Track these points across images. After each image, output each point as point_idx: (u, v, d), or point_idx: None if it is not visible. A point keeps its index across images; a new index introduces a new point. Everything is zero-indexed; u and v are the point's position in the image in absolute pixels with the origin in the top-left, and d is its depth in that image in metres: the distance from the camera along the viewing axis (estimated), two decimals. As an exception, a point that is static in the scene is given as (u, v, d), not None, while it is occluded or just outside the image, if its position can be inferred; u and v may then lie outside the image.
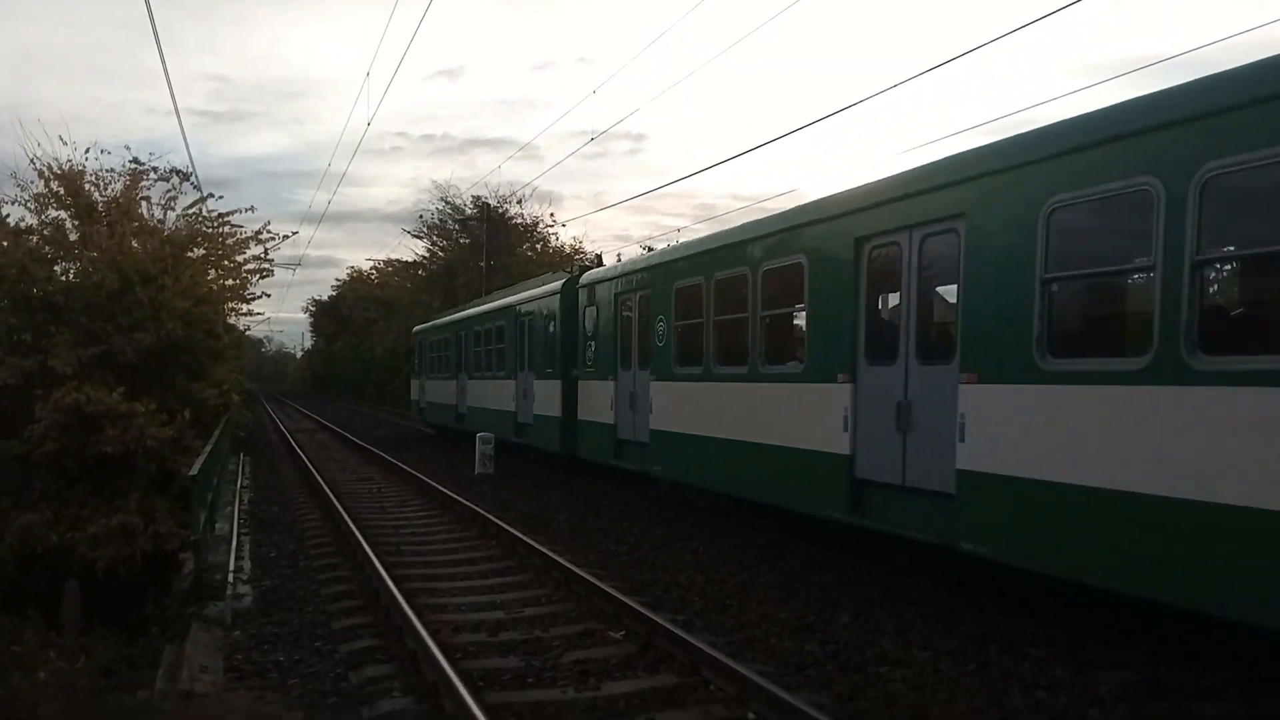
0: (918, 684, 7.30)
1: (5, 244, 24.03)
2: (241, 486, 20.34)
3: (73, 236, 25.88)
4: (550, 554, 11.52)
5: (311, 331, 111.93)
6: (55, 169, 25.82)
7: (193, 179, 27.78)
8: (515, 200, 56.73)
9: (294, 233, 71.83)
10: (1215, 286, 7.34)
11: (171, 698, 6.56)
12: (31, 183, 26.20)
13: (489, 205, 53.47)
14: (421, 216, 63.44)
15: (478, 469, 21.76)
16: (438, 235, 61.46)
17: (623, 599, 9.22)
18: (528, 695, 7.17)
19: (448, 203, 61.05)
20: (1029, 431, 7.70)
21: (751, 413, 12.03)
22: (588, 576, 10.25)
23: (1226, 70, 6.44)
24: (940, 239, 8.90)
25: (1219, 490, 6.15)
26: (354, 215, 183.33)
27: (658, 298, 14.83)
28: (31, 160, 26.07)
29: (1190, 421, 6.38)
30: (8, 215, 25.32)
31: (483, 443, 22.06)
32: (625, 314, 16.31)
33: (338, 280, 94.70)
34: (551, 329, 20.18)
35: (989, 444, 8.08)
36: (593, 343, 18.11)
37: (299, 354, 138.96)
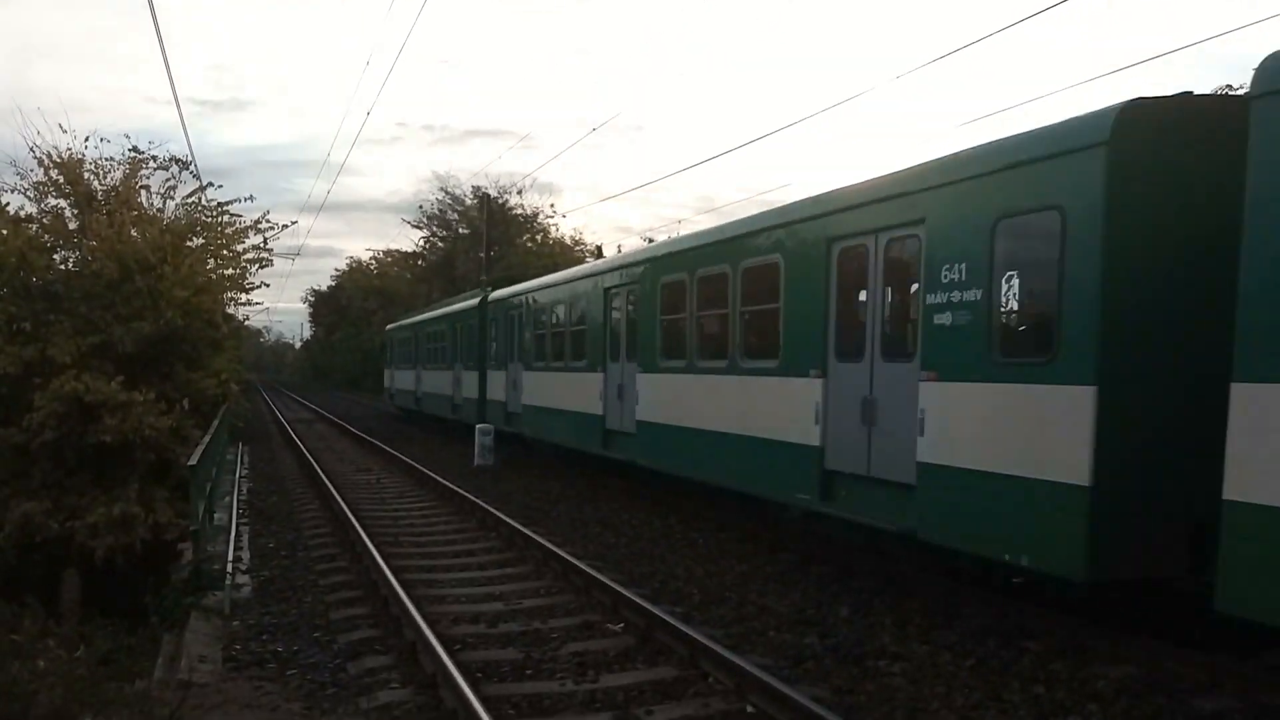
0: (916, 677, 7.31)
1: (5, 232, 24.02)
2: (240, 477, 20.34)
3: (72, 225, 25.89)
4: (549, 545, 11.52)
5: (310, 321, 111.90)
6: (55, 157, 25.81)
7: (192, 168, 27.78)
8: (515, 190, 56.72)
9: (293, 222, 71.86)
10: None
11: (170, 687, 6.56)
12: (31, 171, 26.20)
13: (488, 196, 53.40)
14: (421, 207, 63.42)
15: (477, 460, 21.78)
16: (437, 225, 61.47)
17: (621, 591, 9.22)
18: (526, 687, 7.17)
19: (447, 193, 61.04)
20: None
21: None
22: (586, 568, 10.26)
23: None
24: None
25: None
26: (353, 205, 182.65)
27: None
28: (31, 148, 26.07)
29: None
30: (7, 203, 25.33)
31: (482, 434, 22.06)
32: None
33: (337, 270, 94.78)
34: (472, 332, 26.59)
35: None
36: (496, 342, 24.00)
37: (298, 344, 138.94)
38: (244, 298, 29.91)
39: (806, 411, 10.56)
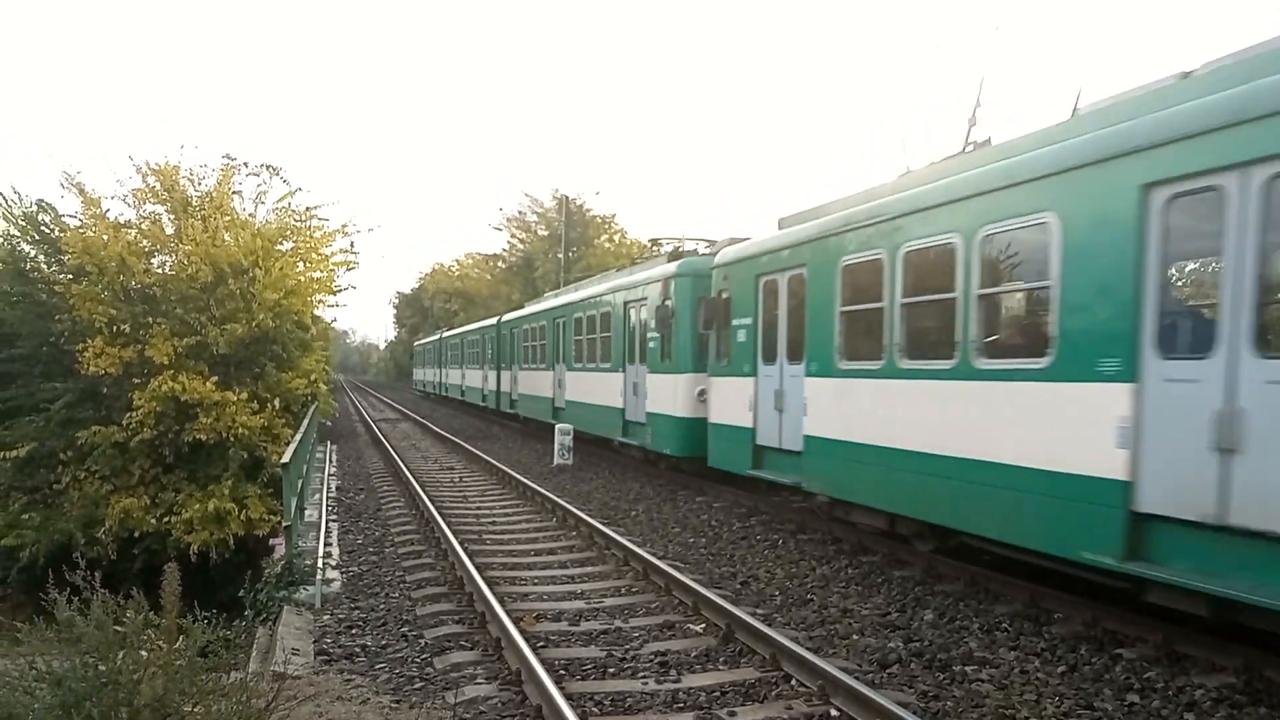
0: (1004, 684, 7.17)
1: (105, 238, 24.90)
2: (329, 474, 20.81)
3: (169, 230, 26.71)
4: (630, 545, 11.56)
5: (394, 323, 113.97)
6: (152, 165, 26.70)
7: (281, 173, 28.47)
8: (594, 192, 56.96)
9: (379, 225, 73.38)
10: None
11: (265, 679, 6.75)
12: (130, 177, 27.16)
13: (567, 197, 53.78)
14: (501, 209, 64.05)
15: (556, 459, 21.95)
16: (517, 227, 62.03)
17: (703, 591, 9.21)
18: (608, 685, 7.21)
19: (527, 195, 61.62)
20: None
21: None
22: (667, 568, 10.27)
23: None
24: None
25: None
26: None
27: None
28: (129, 156, 26.99)
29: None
30: (108, 210, 26.27)
31: (561, 434, 22.22)
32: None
33: (420, 272, 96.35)
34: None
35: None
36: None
37: (382, 345, 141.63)
38: (332, 300, 30.60)
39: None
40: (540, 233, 59.56)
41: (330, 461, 23.70)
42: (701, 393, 16.56)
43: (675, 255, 18.93)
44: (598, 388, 22.11)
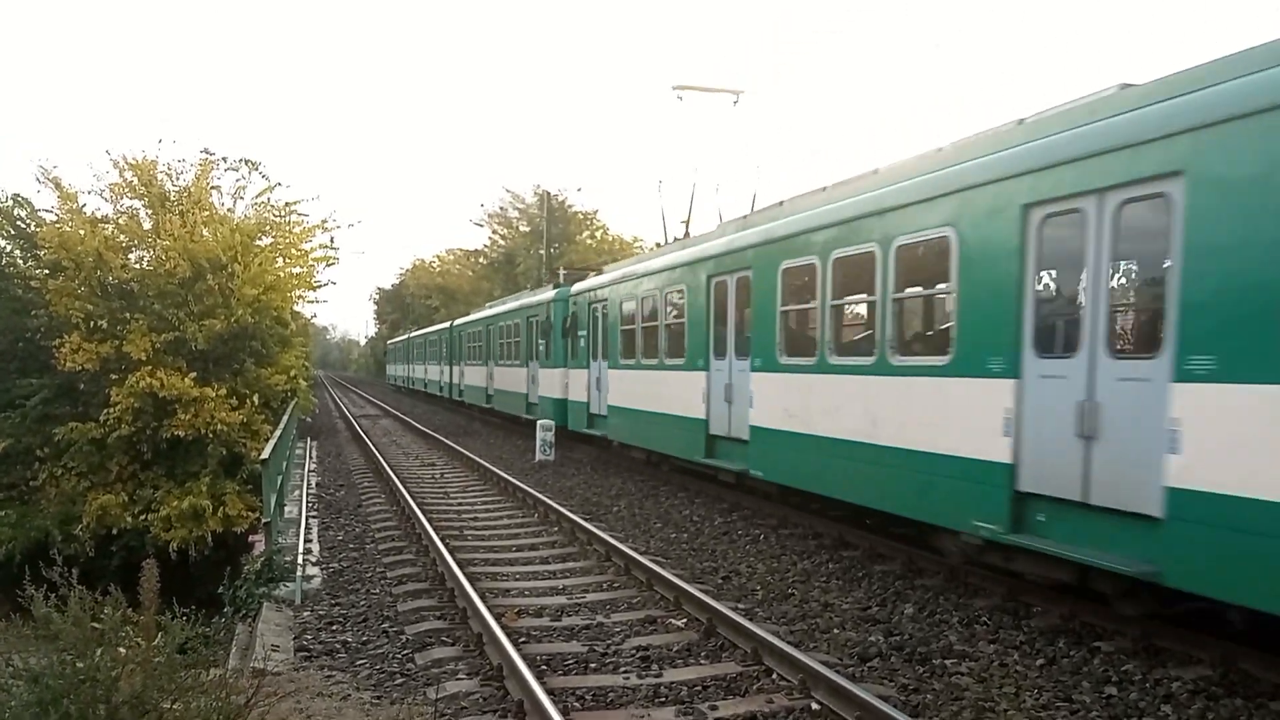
0: (984, 677, 7.22)
1: (82, 233, 24.70)
2: (309, 471, 20.72)
3: (146, 225, 26.53)
4: (611, 540, 11.57)
5: (375, 318, 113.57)
6: (129, 160, 26.50)
7: (260, 168, 28.30)
8: (576, 188, 56.87)
9: (359, 221, 73.12)
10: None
11: (245, 675, 6.72)
12: (107, 172, 26.91)
13: (549, 193, 53.67)
14: (483, 204, 63.87)
15: (538, 456, 21.93)
16: (498, 223, 61.89)
17: (684, 586, 9.23)
18: (590, 680, 7.22)
19: (508, 190, 61.45)
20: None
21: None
22: (649, 563, 10.28)
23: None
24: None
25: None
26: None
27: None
28: (106, 151, 26.79)
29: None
30: (84, 205, 26.07)
31: (543, 430, 22.21)
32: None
33: (401, 268, 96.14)
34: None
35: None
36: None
37: (363, 341, 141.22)
38: (311, 295, 30.47)
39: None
40: (522, 229, 59.47)
41: (310, 458, 23.61)
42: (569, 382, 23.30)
43: (563, 281, 25.84)
44: (514, 379, 29.54)
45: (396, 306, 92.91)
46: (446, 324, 47.09)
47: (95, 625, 5.48)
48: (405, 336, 67.22)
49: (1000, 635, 8.18)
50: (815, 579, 10.40)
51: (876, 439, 10.31)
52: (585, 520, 13.37)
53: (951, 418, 9.14)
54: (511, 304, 31.47)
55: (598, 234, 57.02)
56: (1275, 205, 6.23)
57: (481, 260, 66.20)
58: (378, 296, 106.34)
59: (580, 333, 21.25)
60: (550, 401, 24.46)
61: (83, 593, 5.65)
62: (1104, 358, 7.54)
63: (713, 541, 12.60)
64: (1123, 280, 8.33)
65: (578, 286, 22.28)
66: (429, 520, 13.31)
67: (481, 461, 20.80)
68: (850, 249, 10.89)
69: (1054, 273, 8.65)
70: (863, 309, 11.20)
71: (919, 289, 10.52)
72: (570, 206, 56.56)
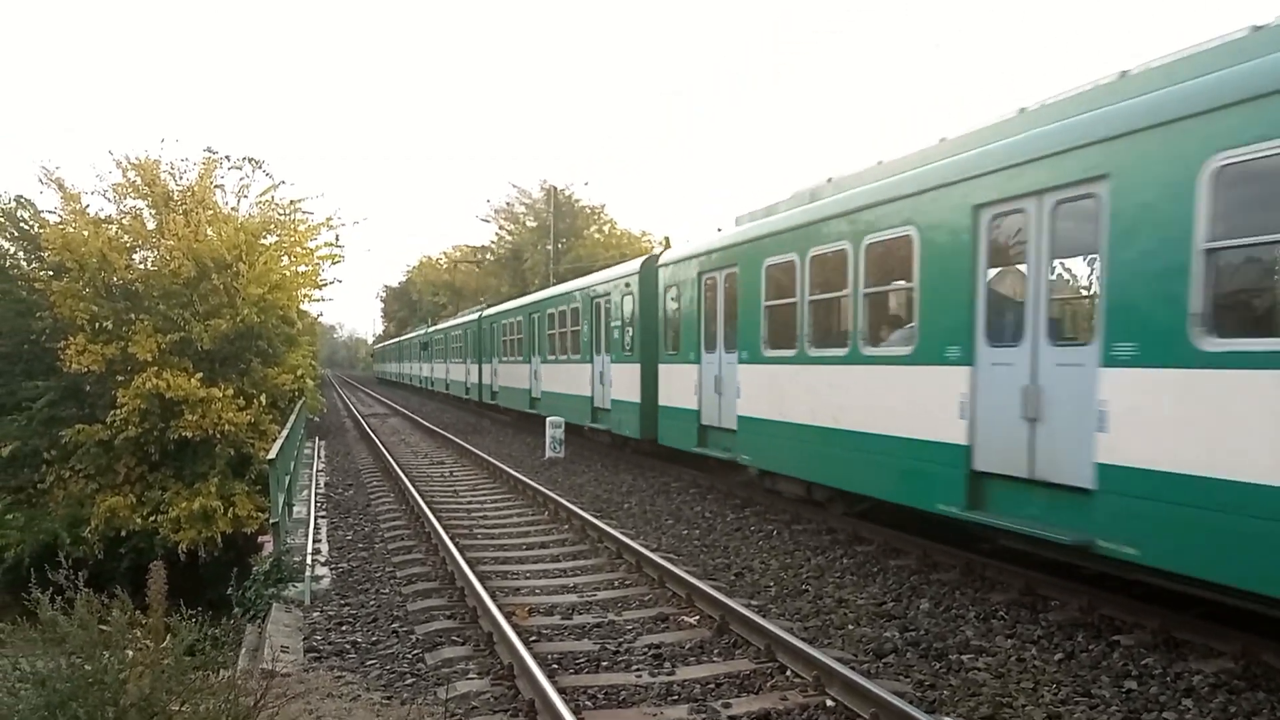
0: (1001, 672, 7.19)
1: (86, 234, 24.80)
2: (317, 470, 20.76)
3: (150, 225, 26.62)
4: (623, 538, 11.56)
5: (382, 316, 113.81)
6: (132, 159, 26.58)
7: (264, 166, 28.38)
8: (583, 182, 56.82)
9: (364, 218, 73.31)
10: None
11: (254, 677, 6.73)
12: (110, 172, 27.02)
13: (555, 188, 53.65)
14: (489, 200, 63.86)
15: (548, 453, 21.94)
16: (505, 219, 61.92)
17: (696, 583, 9.22)
18: (602, 679, 7.21)
19: (514, 185, 61.42)
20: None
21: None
22: (661, 560, 10.28)
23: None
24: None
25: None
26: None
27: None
28: (109, 151, 26.89)
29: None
30: (88, 205, 26.16)
31: (553, 426, 22.21)
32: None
33: (408, 266, 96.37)
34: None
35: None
36: None
37: (370, 339, 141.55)
38: (318, 294, 30.54)
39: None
40: (528, 224, 59.49)
41: (318, 457, 23.66)
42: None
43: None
44: (466, 376, 40.26)
45: (404, 304, 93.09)
46: (424, 330, 55.10)
47: (103, 628, 5.50)
48: (394, 340, 79.59)
49: (1018, 629, 8.15)
50: (829, 575, 10.38)
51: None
52: (596, 517, 13.38)
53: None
54: (468, 316, 38.34)
55: (605, 228, 56.99)
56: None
57: (488, 257, 66.26)
58: (385, 294, 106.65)
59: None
60: (509, 391, 30.32)
61: (89, 595, 5.67)
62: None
63: (725, 538, 12.59)
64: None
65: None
66: (438, 519, 13.32)
67: (491, 459, 20.82)
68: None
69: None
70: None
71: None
72: (577, 201, 56.56)
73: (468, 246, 71.59)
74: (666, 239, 23.11)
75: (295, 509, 15.44)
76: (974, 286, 9.14)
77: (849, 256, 11.25)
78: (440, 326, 51.99)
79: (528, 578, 10.59)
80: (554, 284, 31.01)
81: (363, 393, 71.37)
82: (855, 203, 11.18)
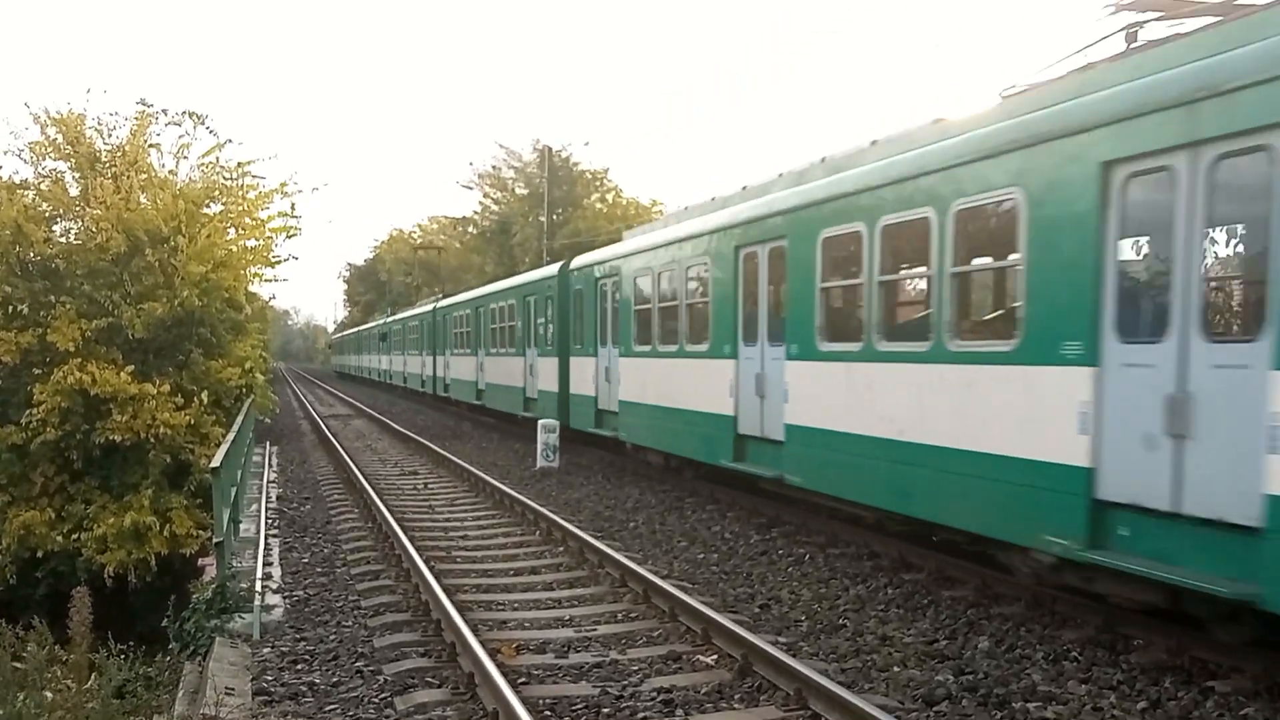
0: (1074, 723, 7.19)
1: (-3, 201, 24.82)
2: (268, 481, 20.84)
3: (73, 191, 26.65)
4: (627, 562, 11.59)
5: (345, 300, 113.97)
6: (52, 114, 26.58)
7: (207, 122, 28.38)
8: (582, 143, 56.81)
9: (325, 184, 73.42)
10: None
11: (193, 724, 6.78)
12: (26, 129, 27.03)
13: (550, 149, 53.61)
14: (472, 163, 63.93)
15: (539, 462, 21.99)
16: (491, 185, 61.94)
17: (714, 616, 9.23)
18: (603, 728, 7.23)
19: (503, 147, 61.38)
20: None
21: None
22: (672, 589, 10.29)
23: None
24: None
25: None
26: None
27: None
28: (25, 104, 26.92)
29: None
30: (0, 167, 26.21)
31: (545, 431, 22.27)
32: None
33: (375, 240, 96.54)
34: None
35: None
36: None
37: (331, 327, 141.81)
38: (270, 273, 30.55)
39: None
40: (518, 191, 59.56)
41: (270, 466, 23.73)
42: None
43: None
44: (423, 368, 47.91)
45: (371, 286, 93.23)
46: (380, 321, 65.27)
47: (16, 665, 5.54)
48: (367, 326, 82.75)
49: (1094, 673, 8.15)
50: (871, 607, 10.39)
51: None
52: (596, 538, 13.40)
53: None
54: (423, 308, 50.10)
55: (609, 196, 56.98)
56: None
57: (471, 229, 66.33)
58: (348, 274, 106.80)
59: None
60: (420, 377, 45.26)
61: (1, 626, 5.71)
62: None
63: (748, 563, 12.61)
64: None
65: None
66: (410, 539, 13.36)
67: (472, 469, 20.87)
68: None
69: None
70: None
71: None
72: (576, 165, 56.56)
73: (446, 218, 71.82)
74: (685, 210, 23.10)
75: (243, 526, 15.50)
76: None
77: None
78: (399, 316, 59.09)
79: (515, 609, 10.62)
80: (547, 262, 33.52)
81: (322, 389, 71.54)
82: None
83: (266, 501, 18.06)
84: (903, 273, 11.92)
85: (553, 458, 22.10)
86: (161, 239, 25.77)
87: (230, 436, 16.26)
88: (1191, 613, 8.06)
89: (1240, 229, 8.61)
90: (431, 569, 11.63)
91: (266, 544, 14.17)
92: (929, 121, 11.55)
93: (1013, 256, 9.81)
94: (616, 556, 11.95)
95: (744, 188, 16.17)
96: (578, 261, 24.15)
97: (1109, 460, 8.37)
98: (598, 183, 57.66)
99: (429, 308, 47.12)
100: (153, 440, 24.22)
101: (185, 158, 28.53)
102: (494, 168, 61.15)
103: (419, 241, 79.15)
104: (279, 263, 30.10)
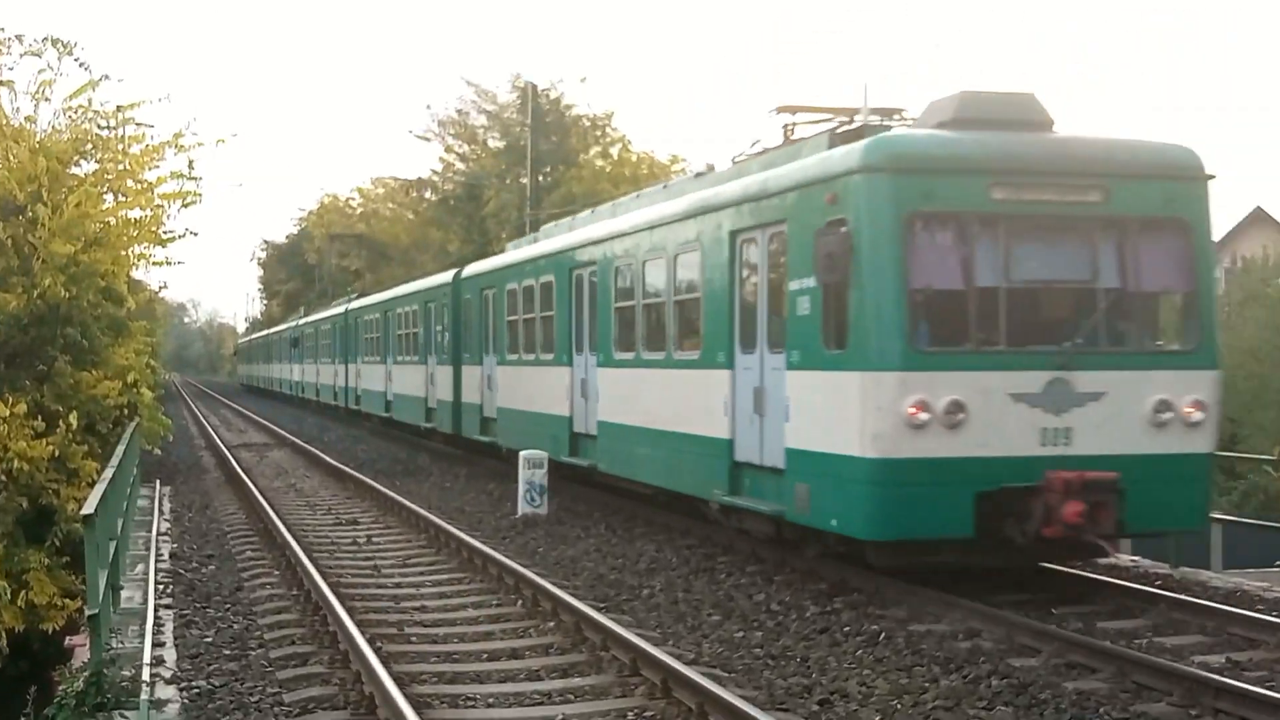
0: None
1: None
2: (159, 533, 20.88)
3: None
4: (640, 643, 11.58)
5: (261, 291, 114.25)
6: None
7: (76, 52, 28.26)
8: (578, 79, 56.74)
9: (234, 135, 73.33)
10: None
11: None
12: None
13: (533, 87, 53.42)
14: (429, 106, 63.95)
15: (521, 507, 21.99)
16: (456, 136, 61.92)
17: (757, 716, 9.21)
18: None
19: (471, 85, 61.20)
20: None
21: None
22: (700, 679, 10.28)
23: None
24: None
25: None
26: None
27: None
28: None
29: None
30: None
31: (529, 466, 22.30)
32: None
33: (302, 211, 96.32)
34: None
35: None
36: None
37: (242, 326, 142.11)
38: (160, 254, 30.46)
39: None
40: (492, 144, 59.69)
41: (161, 513, 23.79)
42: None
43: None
44: (335, 378, 56.26)
45: (295, 269, 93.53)
46: (293, 322, 73.41)
47: None
48: (261, 334, 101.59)
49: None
50: (969, 705, 10.36)
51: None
52: (598, 609, 13.40)
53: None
54: (335, 309, 59.86)
55: (614, 150, 56.90)
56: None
57: (429, 195, 66.34)
58: (265, 255, 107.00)
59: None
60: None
61: None
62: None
63: (803, 644, 12.62)
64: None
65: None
66: (349, 611, 13.38)
67: (431, 516, 20.91)
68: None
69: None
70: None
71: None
72: (569, 109, 56.53)
73: (396, 180, 71.67)
74: (710, 166, 22.98)
75: (125, 594, 15.51)
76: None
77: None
78: (311, 319, 67.30)
79: (490, 705, 10.63)
80: (529, 235, 35.89)
81: (229, 409, 71.76)
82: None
83: (157, 560, 18.08)
84: (650, 300, 20.92)
85: (538, 501, 22.12)
86: (15, 209, 25.79)
87: (108, 474, 16.26)
88: (789, 537, 16.05)
89: (774, 277, 16.27)
90: (378, 651, 11.63)
91: (157, 617, 14.17)
92: (691, 175, 23.50)
93: (697, 292, 18.63)
94: (625, 635, 11.94)
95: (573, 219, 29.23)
96: (468, 271, 34.82)
97: (738, 433, 17.02)
98: (598, 132, 57.63)
99: (340, 310, 55.67)
100: (3, 478, 24.21)
101: (47, 99, 28.43)
102: (459, 112, 61.25)
103: (359, 211, 79.32)
104: (172, 240, 29.88)
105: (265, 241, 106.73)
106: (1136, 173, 14.51)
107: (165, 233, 29.49)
